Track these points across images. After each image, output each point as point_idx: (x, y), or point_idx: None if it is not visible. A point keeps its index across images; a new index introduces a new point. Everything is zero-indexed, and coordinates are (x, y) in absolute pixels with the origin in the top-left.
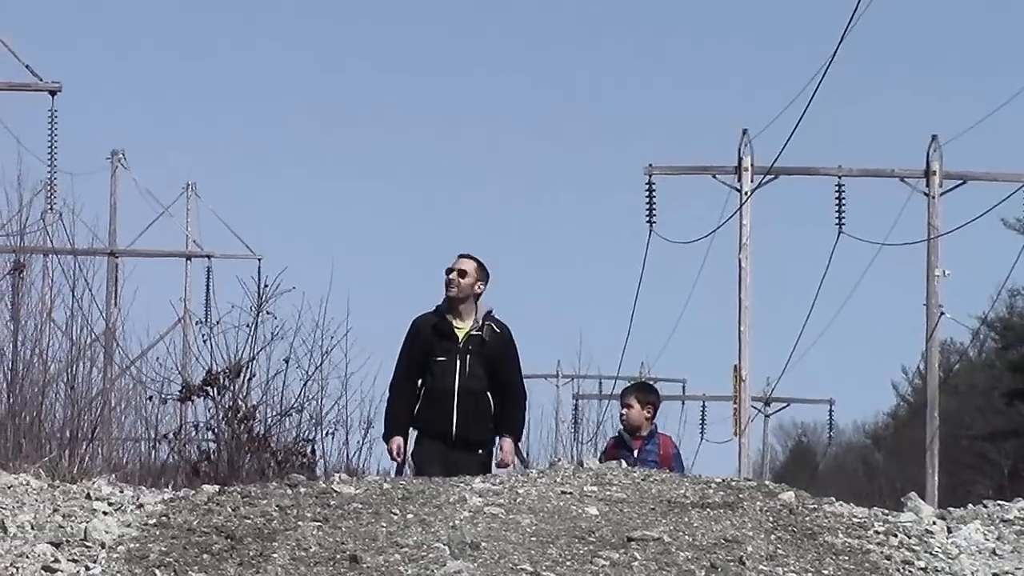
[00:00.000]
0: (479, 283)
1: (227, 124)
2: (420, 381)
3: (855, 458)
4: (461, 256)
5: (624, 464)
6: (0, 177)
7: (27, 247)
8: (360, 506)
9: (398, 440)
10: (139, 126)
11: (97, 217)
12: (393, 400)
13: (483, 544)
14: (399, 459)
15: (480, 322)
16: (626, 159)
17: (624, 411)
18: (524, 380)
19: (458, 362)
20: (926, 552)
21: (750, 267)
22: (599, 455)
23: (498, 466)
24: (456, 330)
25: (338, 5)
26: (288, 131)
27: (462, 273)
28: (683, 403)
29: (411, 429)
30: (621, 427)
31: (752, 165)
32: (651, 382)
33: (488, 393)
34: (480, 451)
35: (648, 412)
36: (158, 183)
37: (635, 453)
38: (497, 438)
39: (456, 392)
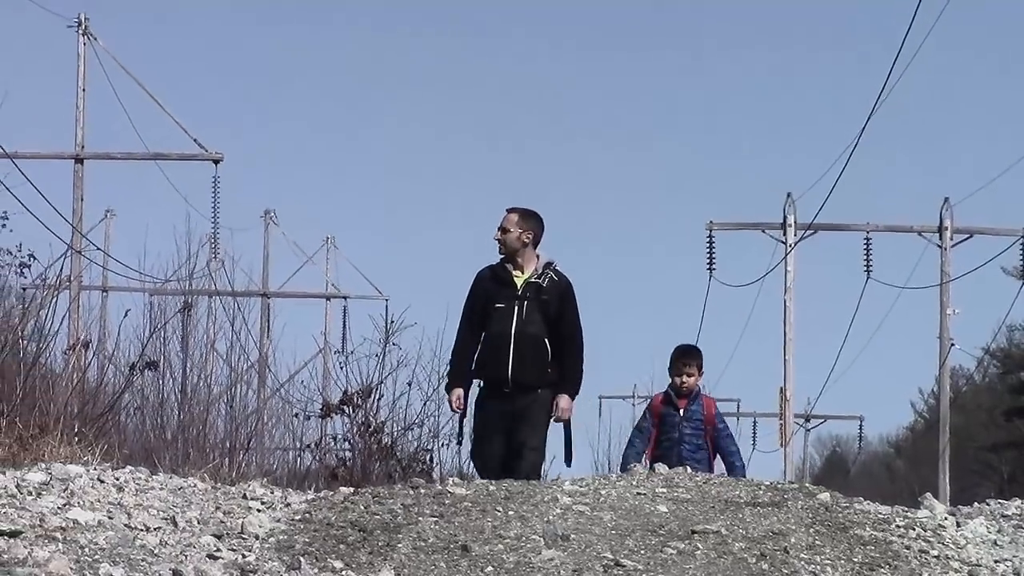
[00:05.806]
0: (524, 233)
1: (359, 185)
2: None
3: (880, 465)
4: (507, 212)
5: (675, 419)
6: (172, 232)
7: (194, 290)
8: (470, 504)
9: (458, 391)
10: (287, 188)
11: (252, 265)
12: (456, 352)
13: (572, 536)
14: (459, 410)
15: (540, 271)
16: (691, 216)
17: (686, 379)
18: (582, 330)
19: (516, 308)
20: (939, 543)
21: (793, 306)
22: (646, 411)
23: (555, 421)
24: (515, 278)
25: (444, 76)
26: (411, 188)
27: (504, 231)
28: (738, 419)
29: (474, 380)
30: (672, 388)
31: (795, 222)
32: (695, 346)
33: (545, 340)
34: (539, 391)
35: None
36: (303, 236)
37: (680, 412)
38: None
39: (512, 336)
